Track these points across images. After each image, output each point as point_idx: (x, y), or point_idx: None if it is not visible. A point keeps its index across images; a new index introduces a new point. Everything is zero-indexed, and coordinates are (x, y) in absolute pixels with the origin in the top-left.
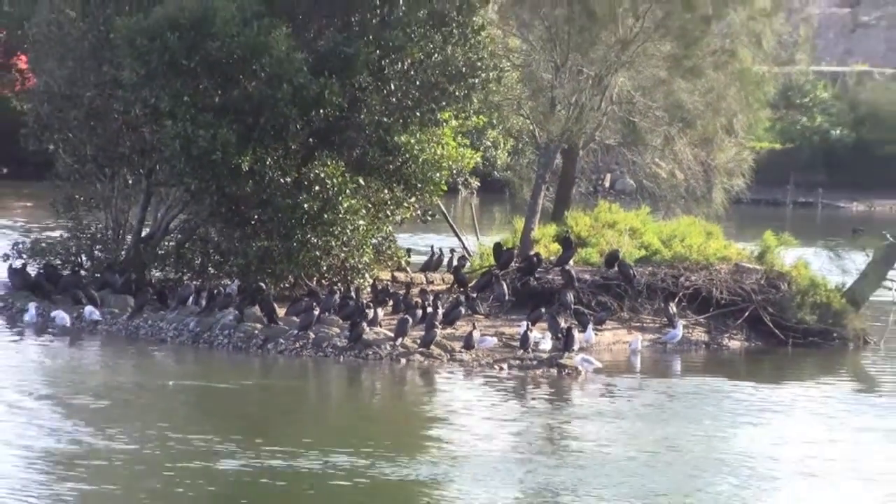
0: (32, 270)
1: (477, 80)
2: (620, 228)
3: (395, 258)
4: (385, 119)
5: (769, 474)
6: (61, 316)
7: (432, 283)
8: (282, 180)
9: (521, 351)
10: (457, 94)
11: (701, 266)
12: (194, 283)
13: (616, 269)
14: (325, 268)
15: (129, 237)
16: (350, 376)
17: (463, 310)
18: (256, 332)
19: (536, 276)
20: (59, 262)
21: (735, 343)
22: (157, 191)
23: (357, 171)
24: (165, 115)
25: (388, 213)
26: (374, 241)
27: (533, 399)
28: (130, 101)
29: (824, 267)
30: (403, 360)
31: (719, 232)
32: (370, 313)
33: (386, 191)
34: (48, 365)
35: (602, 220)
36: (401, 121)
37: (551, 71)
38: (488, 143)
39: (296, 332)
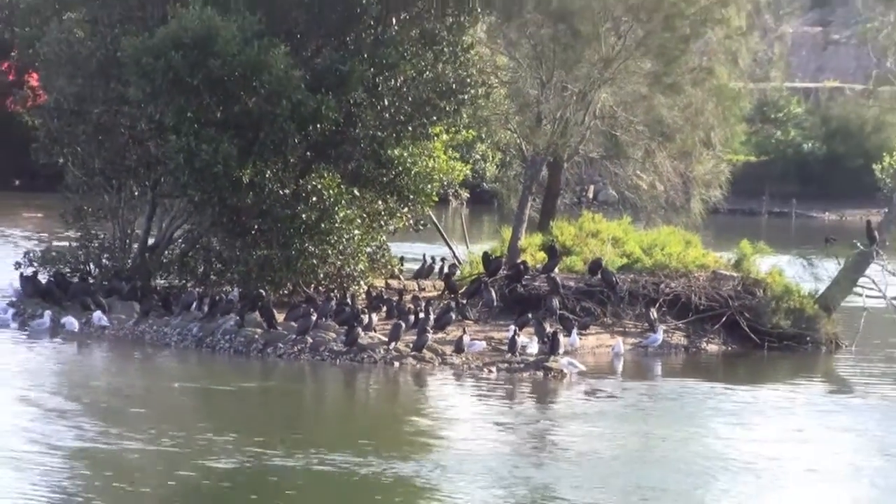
0: (43, 278)
1: (466, 96)
2: (603, 238)
3: (389, 266)
4: (379, 133)
5: (745, 471)
6: (71, 321)
7: (424, 289)
8: (281, 192)
9: (509, 354)
10: (447, 109)
11: (680, 273)
12: (197, 290)
13: (599, 276)
14: (321, 275)
15: (135, 246)
16: (346, 379)
17: (453, 315)
18: (257, 336)
19: (523, 283)
20: (68, 270)
21: (713, 347)
22: (162, 202)
23: (352, 183)
24: (170, 129)
25: (382, 223)
26: (368, 249)
27: (520, 400)
28: (136, 117)
29: (798, 274)
30: (397, 364)
31: (698, 241)
32: (365, 319)
33: (380, 202)
34: (59, 368)
35: (586, 230)
36: (394, 135)
37: (537, 87)
38: (477, 156)
39: (294, 336)
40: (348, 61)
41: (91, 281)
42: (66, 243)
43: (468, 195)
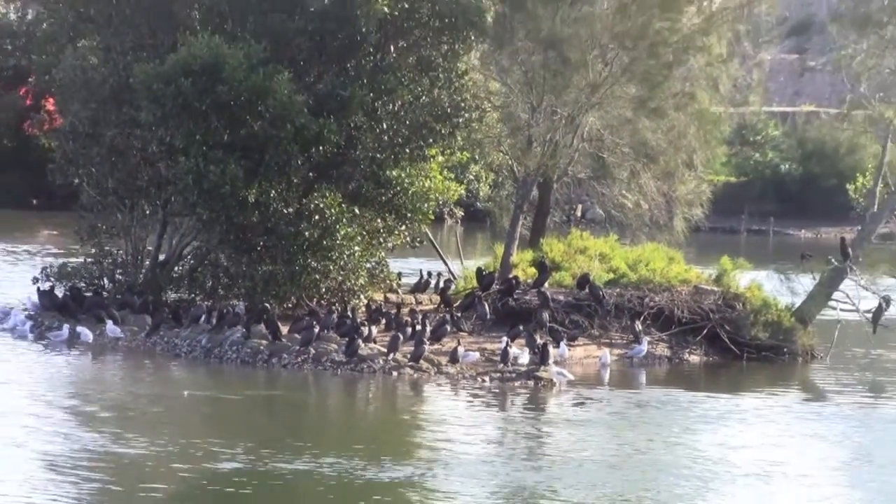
0: (59, 292)
1: (461, 120)
2: (591, 254)
3: (388, 281)
4: (378, 155)
5: (724, 476)
6: (85, 333)
7: (421, 303)
8: (285, 210)
9: (502, 365)
10: (443, 132)
11: (664, 288)
12: (206, 303)
13: (587, 290)
14: (324, 289)
15: (146, 262)
16: (346, 388)
17: (449, 327)
18: (262, 347)
19: (515, 297)
20: (83, 284)
21: (695, 358)
22: (172, 220)
23: (353, 202)
24: (179, 151)
25: (381, 240)
26: (368, 265)
27: (512, 408)
28: (148, 140)
29: (775, 288)
30: (395, 374)
31: (680, 257)
32: (365, 331)
33: (379, 220)
34: (74, 377)
35: (574, 247)
36: (392, 156)
37: (528, 111)
38: (471, 177)
39: (297, 347)
40: (349, 87)
41: (105, 295)
42: (82, 259)
43: (462, 214)
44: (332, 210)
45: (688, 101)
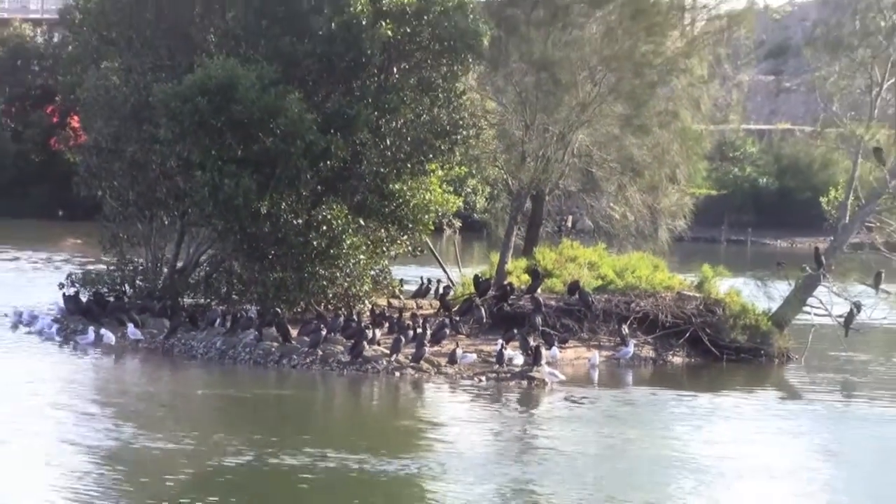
0: (84, 297)
1: (459, 137)
2: (581, 262)
3: (391, 287)
4: (382, 169)
5: (704, 469)
6: (108, 335)
7: (422, 308)
8: (294, 221)
9: (497, 366)
10: (442, 148)
11: (649, 294)
12: (220, 308)
13: (577, 296)
14: (331, 295)
15: (165, 269)
16: (352, 387)
17: (448, 330)
18: (273, 349)
19: (510, 302)
20: (106, 290)
21: (678, 359)
22: (189, 230)
23: (358, 214)
24: (196, 166)
25: (385, 248)
26: (372, 272)
27: (507, 406)
28: (166, 155)
29: (753, 294)
30: (397, 374)
31: (664, 265)
32: (369, 333)
33: (382, 230)
34: (98, 376)
35: (565, 255)
36: (395, 171)
37: (522, 129)
38: (469, 190)
39: (306, 349)
40: (355, 106)
41: (126, 300)
42: (104, 267)
43: (460, 224)
44: (339, 221)
45: (671, 119)
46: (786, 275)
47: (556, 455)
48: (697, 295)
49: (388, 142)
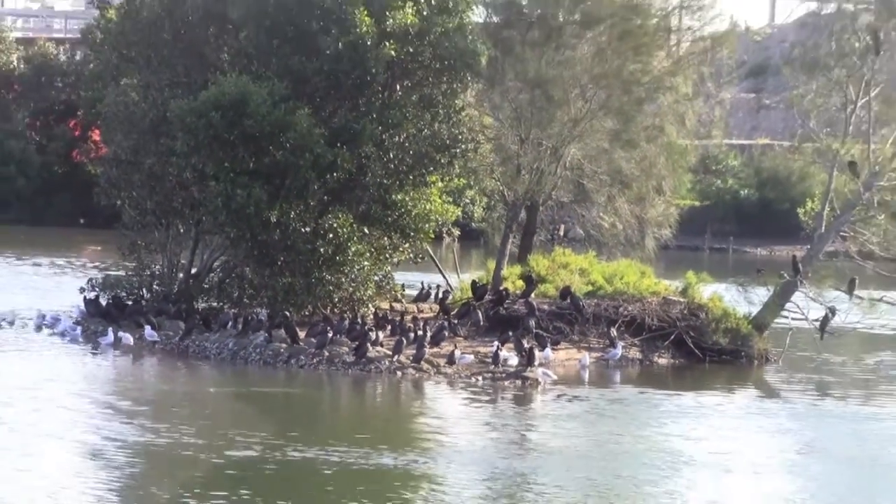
0: (103, 300)
1: (458, 150)
2: (572, 269)
3: (393, 292)
4: (385, 181)
5: (687, 464)
6: (126, 337)
7: (422, 311)
8: (303, 230)
9: (493, 366)
10: (442, 161)
11: (636, 299)
12: (232, 311)
13: (569, 300)
14: (336, 299)
15: (180, 274)
16: (356, 386)
17: (446, 333)
18: (282, 350)
19: (505, 306)
20: (124, 294)
21: (663, 360)
22: (203, 237)
23: (363, 223)
24: (210, 177)
25: (387, 255)
26: (375, 278)
27: (502, 404)
28: (182, 167)
29: (734, 299)
30: (399, 373)
31: (650, 272)
32: (372, 335)
33: (385, 238)
34: (117, 375)
35: (557, 262)
36: (398, 182)
37: (517, 143)
38: (467, 201)
39: (313, 350)
40: (360, 121)
41: (144, 303)
42: (123, 272)
43: (459, 233)
44: (345, 229)
45: (658, 134)
46: (765, 281)
47: (548, 450)
48: (682, 300)
49: (392, 155)
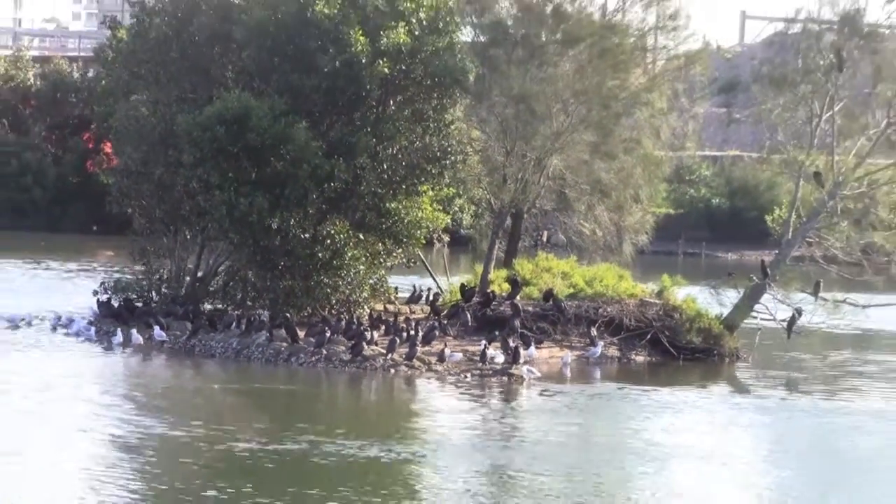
0: (115, 302)
1: (448, 162)
2: (554, 272)
3: (387, 294)
4: (379, 190)
5: (662, 455)
6: (136, 336)
7: (414, 312)
8: (302, 236)
9: (481, 363)
10: (433, 171)
11: (614, 300)
12: (236, 312)
13: (551, 302)
14: (334, 301)
15: (187, 278)
16: (352, 382)
17: (437, 332)
18: (282, 349)
19: (492, 307)
20: (135, 296)
21: (640, 358)
22: (209, 243)
23: (358, 229)
24: (215, 187)
25: (382, 260)
26: (370, 281)
27: (489, 399)
28: (189, 177)
29: (707, 301)
30: (392, 370)
31: (628, 275)
32: (368, 335)
33: (380, 244)
34: (127, 372)
35: (541, 266)
36: (391, 191)
37: (503, 154)
38: (456, 209)
39: (312, 349)
40: (356, 134)
41: (153, 305)
42: (134, 276)
43: (449, 238)
44: (341, 235)
45: (635, 146)
46: (735, 284)
47: (532, 442)
48: (657, 301)
49: (385, 166)
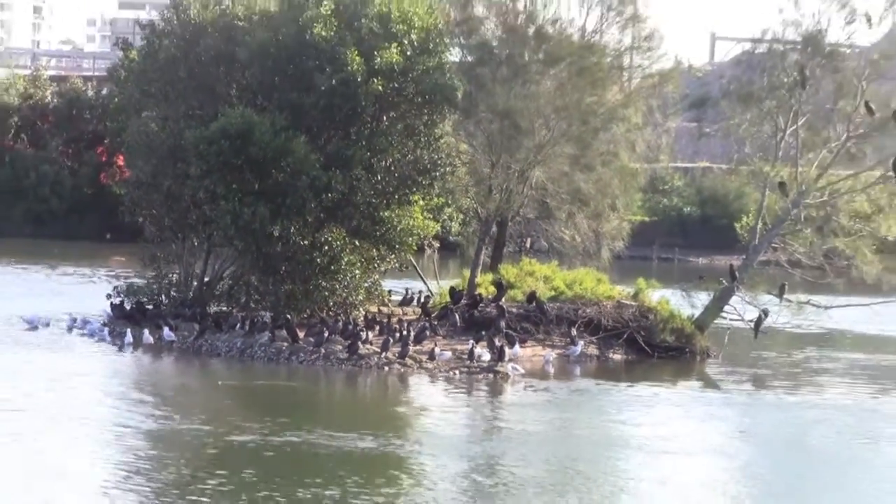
0: (127, 305)
1: (437, 173)
2: (537, 276)
3: (381, 296)
4: (374, 200)
5: (638, 446)
6: (147, 337)
7: (406, 314)
8: (301, 242)
9: (469, 361)
10: (423, 182)
11: (593, 302)
12: (240, 314)
13: (534, 304)
14: (331, 303)
15: (195, 282)
16: (348, 379)
17: (428, 333)
18: (284, 348)
19: (479, 309)
20: (146, 299)
21: (617, 356)
22: (215, 250)
23: (354, 236)
24: (220, 197)
25: (376, 265)
26: (366, 284)
27: (476, 395)
28: (196, 188)
29: (679, 303)
30: (386, 368)
31: (606, 279)
32: (363, 335)
33: (374, 250)
34: (139, 370)
35: (525, 271)
36: (384, 201)
37: (489, 166)
38: (445, 217)
39: (311, 348)
40: (351, 147)
41: (162, 308)
42: (145, 280)
43: (438, 245)
44: (338, 242)
45: (612, 158)
46: (706, 287)
47: (517, 435)
48: (633, 303)
49: (379, 177)
